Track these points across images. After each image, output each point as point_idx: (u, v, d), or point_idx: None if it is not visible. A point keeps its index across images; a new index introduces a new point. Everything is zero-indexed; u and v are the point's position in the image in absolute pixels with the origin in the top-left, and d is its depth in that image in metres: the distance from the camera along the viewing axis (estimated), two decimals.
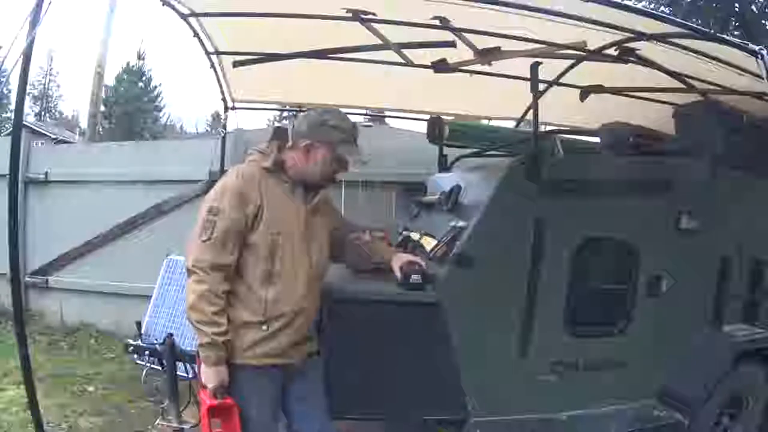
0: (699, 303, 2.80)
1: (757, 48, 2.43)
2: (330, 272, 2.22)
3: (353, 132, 2.05)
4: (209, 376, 1.85)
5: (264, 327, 1.90)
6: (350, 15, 2.85)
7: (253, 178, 1.95)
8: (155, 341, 2.60)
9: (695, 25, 3.23)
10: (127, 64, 32.29)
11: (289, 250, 1.94)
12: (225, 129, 4.60)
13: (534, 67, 2.63)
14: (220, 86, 4.18)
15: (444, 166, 3.67)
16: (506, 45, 2.86)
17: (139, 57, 32.95)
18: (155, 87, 34.08)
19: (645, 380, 2.70)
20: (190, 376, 2.42)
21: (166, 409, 2.49)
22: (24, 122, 3.64)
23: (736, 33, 9.60)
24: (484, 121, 4.90)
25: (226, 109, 4.43)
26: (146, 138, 26.36)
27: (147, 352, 2.57)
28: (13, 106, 2.86)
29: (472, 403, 2.38)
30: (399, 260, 2.31)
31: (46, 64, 35.67)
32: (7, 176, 2.32)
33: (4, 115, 27.27)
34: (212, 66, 3.89)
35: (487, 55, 2.85)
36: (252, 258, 1.91)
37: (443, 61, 3.11)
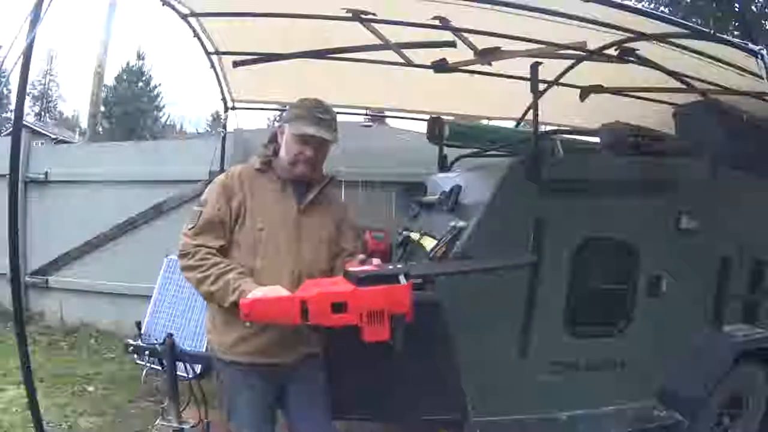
0: (699, 303, 2.80)
1: (757, 48, 2.43)
2: None
3: (313, 110, 1.99)
4: (257, 291, 1.75)
5: (247, 324, 1.84)
6: (350, 15, 2.85)
7: (240, 176, 2.01)
8: (155, 341, 2.59)
9: (695, 25, 3.23)
10: (127, 64, 32.38)
11: (273, 248, 1.93)
12: (225, 129, 4.62)
13: (534, 67, 2.62)
14: (220, 86, 4.19)
15: (444, 166, 3.67)
16: (506, 45, 2.85)
17: (139, 57, 33.01)
18: (155, 87, 34.15)
19: (645, 380, 2.70)
20: (190, 376, 2.42)
21: (166, 409, 2.48)
22: (24, 122, 3.63)
23: (736, 33, 9.59)
24: (484, 121, 4.91)
25: (226, 109, 4.44)
26: (146, 138, 26.37)
27: (147, 352, 2.56)
28: (13, 106, 2.86)
29: (472, 403, 2.38)
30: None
31: (46, 64, 35.79)
32: (7, 176, 2.32)
33: (4, 115, 27.31)
34: (212, 66, 3.89)
35: (487, 55, 2.85)
36: (236, 254, 1.93)
37: (443, 61, 3.11)
